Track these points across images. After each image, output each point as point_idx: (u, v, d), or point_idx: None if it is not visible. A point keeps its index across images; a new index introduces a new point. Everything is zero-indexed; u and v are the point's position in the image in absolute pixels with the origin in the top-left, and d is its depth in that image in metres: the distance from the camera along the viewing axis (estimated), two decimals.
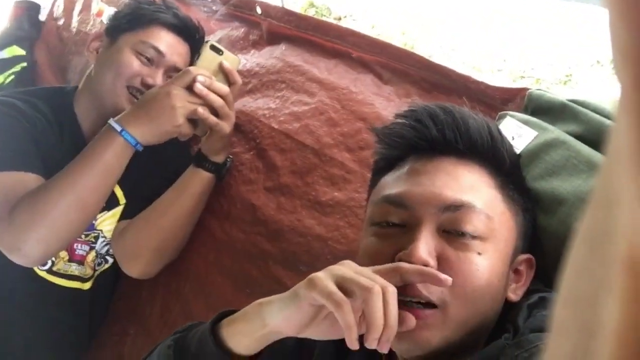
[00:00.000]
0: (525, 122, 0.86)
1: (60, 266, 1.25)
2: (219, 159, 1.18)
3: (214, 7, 1.56)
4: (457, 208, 0.66)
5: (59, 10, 1.97)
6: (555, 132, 0.82)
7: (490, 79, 1.05)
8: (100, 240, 1.27)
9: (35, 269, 1.22)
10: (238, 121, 1.30)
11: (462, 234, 0.65)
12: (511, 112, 0.90)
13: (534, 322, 0.61)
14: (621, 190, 0.16)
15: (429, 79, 1.11)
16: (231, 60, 1.13)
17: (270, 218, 1.13)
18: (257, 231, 1.14)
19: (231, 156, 1.23)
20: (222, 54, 1.12)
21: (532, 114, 0.90)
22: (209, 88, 1.07)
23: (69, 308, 1.27)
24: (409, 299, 0.63)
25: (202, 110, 1.07)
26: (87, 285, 1.28)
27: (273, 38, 1.40)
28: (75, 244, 1.25)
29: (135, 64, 1.21)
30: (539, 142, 0.81)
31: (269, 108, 1.27)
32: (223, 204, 1.23)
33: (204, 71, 1.08)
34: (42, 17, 1.99)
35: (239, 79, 1.13)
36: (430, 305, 0.63)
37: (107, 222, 1.26)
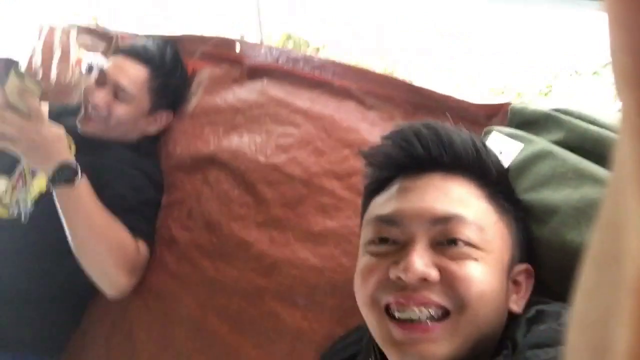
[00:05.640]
0: (511, 136, 0.86)
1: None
2: (45, 172, 1.20)
3: (191, 48, 1.57)
4: (448, 220, 0.66)
5: (37, 62, 1.98)
6: (540, 143, 0.82)
7: (472, 96, 1.06)
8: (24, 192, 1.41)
9: None
10: (223, 158, 1.29)
11: (455, 243, 0.65)
12: (497, 127, 0.90)
13: (532, 339, 0.60)
14: (628, 214, 0.16)
15: (412, 101, 1.12)
16: (31, 85, 1.18)
17: (263, 253, 1.12)
18: (251, 267, 1.13)
19: (62, 164, 1.19)
20: (22, 79, 1.16)
21: (517, 127, 0.90)
22: None
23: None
24: (418, 316, 0.62)
25: None
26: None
27: (254, 73, 1.41)
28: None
29: (91, 84, 1.44)
30: (526, 154, 0.82)
31: (255, 143, 1.26)
32: (215, 243, 1.21)
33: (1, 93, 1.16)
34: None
35: (31, 103, 1.16)
36: (440, 311, 0.62)
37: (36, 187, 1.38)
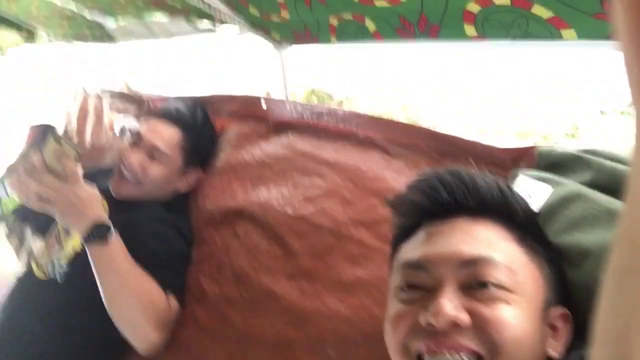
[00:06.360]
0: (539, 179, 0.86)
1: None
2: (80, 231, 1.21)
3: (219, 107, 1.62)
4: (476, 263, 0.65)
5: (72, 127, 2.05)
6: (570, 185, 0.81)
7: (497, 140, 1.06)
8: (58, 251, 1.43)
9: None
10: (252, 211, 1.31)
11: (485, 285, 0.64)
12: (524, 170, 0.90)
13: None
14: None
15: (437, 148, 1.12)
16: (68, 149, 1.22)
17: (293, 305, 1.11)
18: (281, 320, 1.11)
19: (96, 222, 1.21)
20: (60, 143, 1.21)
21: (545, 169, 0.89)
22: (31, 174, 1.21)
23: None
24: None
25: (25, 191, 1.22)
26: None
27: (279, 129, 1.44)
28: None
29: (125, 146, 1.50)
30: (556, 197, 0.81)
31: (283, 196, 1.28)
32: (244, 296, 1.21)
33: (38, 158, 1.21)
34: None
35: (68, 165, 1.21)
36: (473, 357, 0.61)
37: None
